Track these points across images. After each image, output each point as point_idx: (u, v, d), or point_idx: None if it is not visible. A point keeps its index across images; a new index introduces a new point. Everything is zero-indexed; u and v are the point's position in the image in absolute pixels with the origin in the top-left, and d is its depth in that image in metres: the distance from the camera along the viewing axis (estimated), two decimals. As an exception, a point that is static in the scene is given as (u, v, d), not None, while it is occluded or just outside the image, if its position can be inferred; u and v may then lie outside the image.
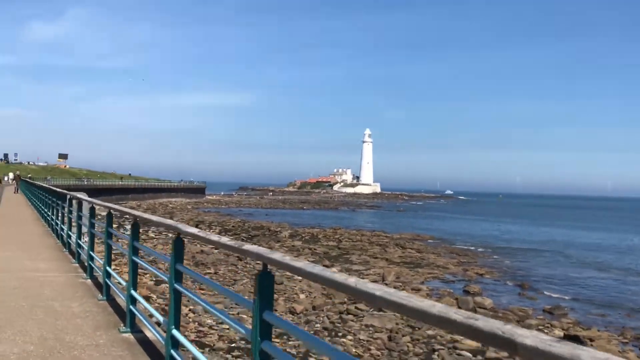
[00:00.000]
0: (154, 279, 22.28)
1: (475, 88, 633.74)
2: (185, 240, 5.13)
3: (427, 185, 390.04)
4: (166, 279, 5.30)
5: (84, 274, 10.37)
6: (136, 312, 6.56)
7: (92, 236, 10.04)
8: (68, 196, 13.97)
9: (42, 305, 7.91)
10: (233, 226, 60.87)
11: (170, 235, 39.73)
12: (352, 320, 20.03)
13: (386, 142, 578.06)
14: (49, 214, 19.47)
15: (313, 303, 22.69)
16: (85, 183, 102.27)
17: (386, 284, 29.09)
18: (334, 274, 2.57)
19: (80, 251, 11.68)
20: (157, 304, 17.51)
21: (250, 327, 3.45)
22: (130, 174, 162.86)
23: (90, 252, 9.87)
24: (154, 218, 5.83)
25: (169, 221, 5.37)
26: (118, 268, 18.17)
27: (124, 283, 7.54)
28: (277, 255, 3.11)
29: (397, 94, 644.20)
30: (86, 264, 10.63)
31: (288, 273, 27.31)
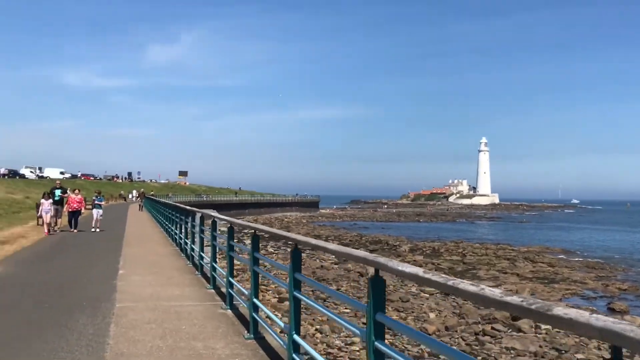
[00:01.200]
0: (277, 296, 21.20)
1: (595, 90, 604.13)
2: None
3: (548, 194, 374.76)
4: (358, 334, 3.88)
5: (223, 304, 9.21)
6: (300, 361, 5.22)
7: (231, 261, 8.86)
8: (199, 214, 13.03)
9: (183, 346, 6.73)
10: (350, 240, 59.77)
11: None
12: (490, 342, 18.23)
13: (503, 151, 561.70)
14: (177, 232, 18.76)
15: (445, 323, 21.10)
16: (205, 199, 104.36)
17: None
18: None
19: (216, 276, 10.59)
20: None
21: None
22: (240, 188, 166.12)
23: (230, 279, 8.69)
24: (332, 246, 4.45)
25: (357, 252, 3.99)
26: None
27: (277, 321, 6.24)
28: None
29: (513, 100, 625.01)
30: (224, 290, 9.52)
31: (414, 289, 26.00)
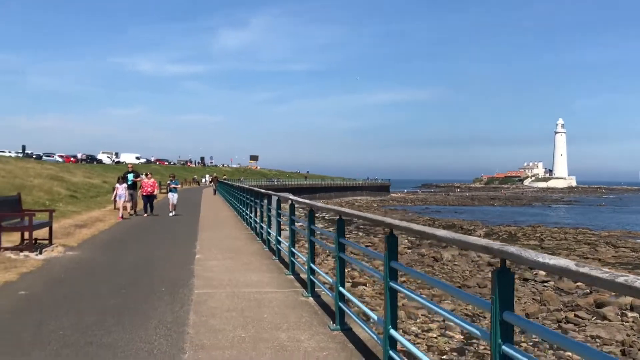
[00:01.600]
0: (351, 280, 20.72)
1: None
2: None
3: (628, 177, 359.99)
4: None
5: (303, 291, 8.78)
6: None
7: (312, 246, 8.42)
8: (275, 197, 12.66)
9: (267, 337, 6.30)
10: (422, 225, 58.58)
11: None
12: (574, 331, 17.11)
13: (580, 132, 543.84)
14: (252, 216, 18.53)
15: (525, 310, 20.11)
16: (276, 183, 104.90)
17: (606, 289, 25.64)
18: None
19: (294, 261, 10.16)
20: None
21: None
22: (308, 172, 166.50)
23: (312, 265, 8.25)
24: (442, 233, 3.92)
25: (476, 240, 3.45)
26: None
27: (371, 314, 5.72)
28: None
29: (590, 81, 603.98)
30: (303, 276, 9.12)
31: (491, 274, 25.04)
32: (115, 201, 25.68)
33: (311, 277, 8.34)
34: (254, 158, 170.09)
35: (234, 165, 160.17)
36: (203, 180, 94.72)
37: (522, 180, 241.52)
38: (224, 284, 9.46)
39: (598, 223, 64.39)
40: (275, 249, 12.63)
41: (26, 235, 13.16)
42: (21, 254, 12.36)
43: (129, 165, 29.78)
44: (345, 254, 6.87)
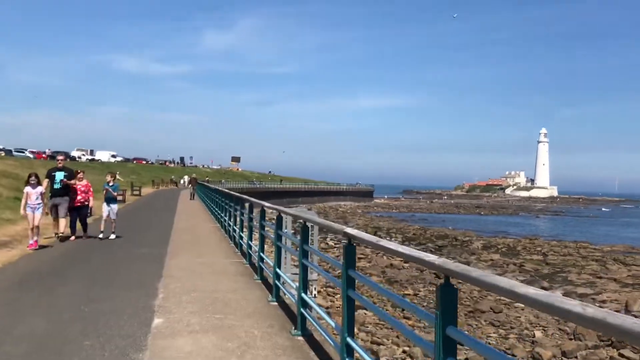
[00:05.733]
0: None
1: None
2: None
3: (604, 188, 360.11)
4: None
5: None
6: None
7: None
8: (289, 218, 8.50)
9: None
10: (414, 234, 57.24)
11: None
12: (627, 377, 14.96)
13: (558, 142, 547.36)
14: (244, 237, 13.32)
15: (561, 347, 17.26)
16: (257, 186, 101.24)
17: (635, 316, 22.37)
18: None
19: (359, 350, 4.85)
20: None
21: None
22: (270, 172, 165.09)
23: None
24: (391, 245, 3.80)
25: (420, 254, 3.39)
26: None
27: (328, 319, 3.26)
28: None
29: (571, 91, 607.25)
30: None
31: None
32: (28, 216, 14.98)
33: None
34: (236, 159, 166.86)
35: (215, 167, 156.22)
36: (181, 181, 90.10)
37: (503, 189, 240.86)
38: None
39: (594, 236, 62.89)
40: (297, 310, 7.08)
41: None
42: None
43: (59, 161, 18.22)
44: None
